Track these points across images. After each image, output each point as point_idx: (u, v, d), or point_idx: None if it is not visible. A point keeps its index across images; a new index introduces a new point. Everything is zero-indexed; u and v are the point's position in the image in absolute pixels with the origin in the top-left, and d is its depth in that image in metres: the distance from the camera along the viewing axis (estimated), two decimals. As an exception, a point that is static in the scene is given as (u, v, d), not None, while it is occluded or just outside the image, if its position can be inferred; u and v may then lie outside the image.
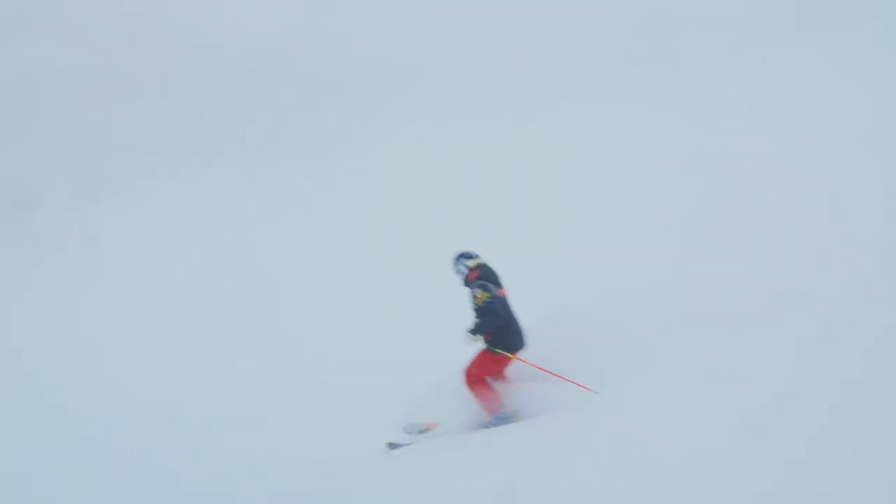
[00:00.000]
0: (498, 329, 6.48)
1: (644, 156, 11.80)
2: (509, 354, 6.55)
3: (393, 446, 7.01)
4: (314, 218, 13.81)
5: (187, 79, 22.94)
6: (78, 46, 23.41)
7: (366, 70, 21.71)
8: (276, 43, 23.32)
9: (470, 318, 6.63)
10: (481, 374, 6.61)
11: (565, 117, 14.67)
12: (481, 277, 6.51)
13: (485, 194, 12.52)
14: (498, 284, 6.60)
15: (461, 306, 7.18)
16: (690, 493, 4.60)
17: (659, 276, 8.02)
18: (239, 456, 7.29)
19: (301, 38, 23.36)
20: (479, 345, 6.52)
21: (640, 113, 13.54)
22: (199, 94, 22.22)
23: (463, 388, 6.75)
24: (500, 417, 6.64)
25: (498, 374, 6.70)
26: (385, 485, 6.26)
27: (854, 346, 5.48)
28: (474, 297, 6.53)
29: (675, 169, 10.82)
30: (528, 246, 10.18)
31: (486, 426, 6.72)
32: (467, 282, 6.69)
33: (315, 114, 19.84)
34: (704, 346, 6.41)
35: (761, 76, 12.98)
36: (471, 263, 6.59)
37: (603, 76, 16.28)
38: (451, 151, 14.89)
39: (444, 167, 14.15)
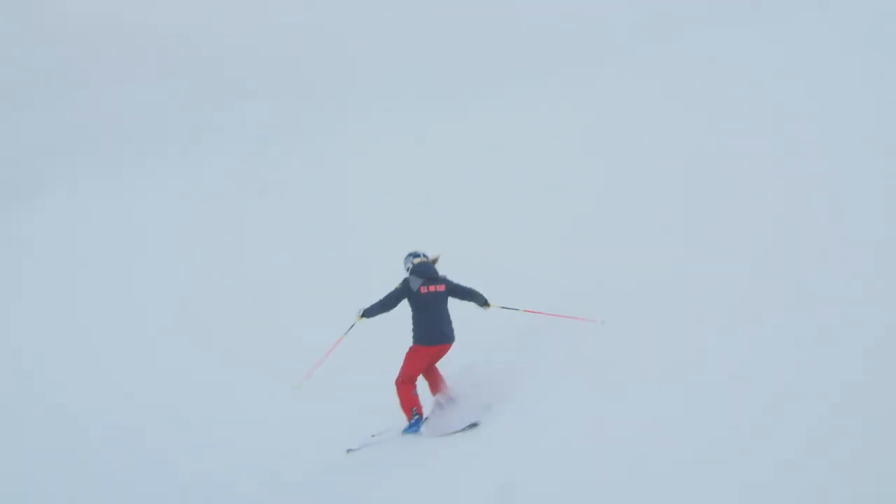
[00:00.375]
0: (421, 323, 6.98)
1: (644, 155, 11.79)
2: (421, 346, 6.99)
3: (351, 451, 7.15)
4: (313, 218, 13.81)
5: (150, 71, 23.02)
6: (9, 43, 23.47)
7: (364, 68, 21.72)
8: (261, 42, 23.41)
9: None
10: (408, 373, 7.00)
11: (565, 117, 14.68)
12: (412, 272, 7.03)
13: (485, 194, 12.52)
14: (431, 281, 7.00)
15: (459, 305, 7.34)
16: (690, 492, 4.61)
17: (659, 276, 8.02)
18: (239, 455, 7.30)
19: (287, 35, 23.43)
20: (358, 322, 7.06)
21: (639, 112, 13.53)
22: (168, 86, 22.29)
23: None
24: (412, 423, 7.02)
25: (422, 367, 7.09)
26: (385, 481, 6.26)
27: (854, 346, 5.48)
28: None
29: (675, 169, 10.80)
30: (528, 246, 10.17)
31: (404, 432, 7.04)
32: None
33: (311, 112, 19.86)
34: (704, 345, 6.42)
35: (761, 74, 12.97)
36: (416, 261, 7.13)
37: (603, 75, 16.30)
38: (451, 150, 14.89)
39: (443, 166, 14.15)
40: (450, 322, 7.10)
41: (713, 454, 4.84)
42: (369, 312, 7.04)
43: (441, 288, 7.04)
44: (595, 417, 5.91)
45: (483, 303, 7.26)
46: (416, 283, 6.96)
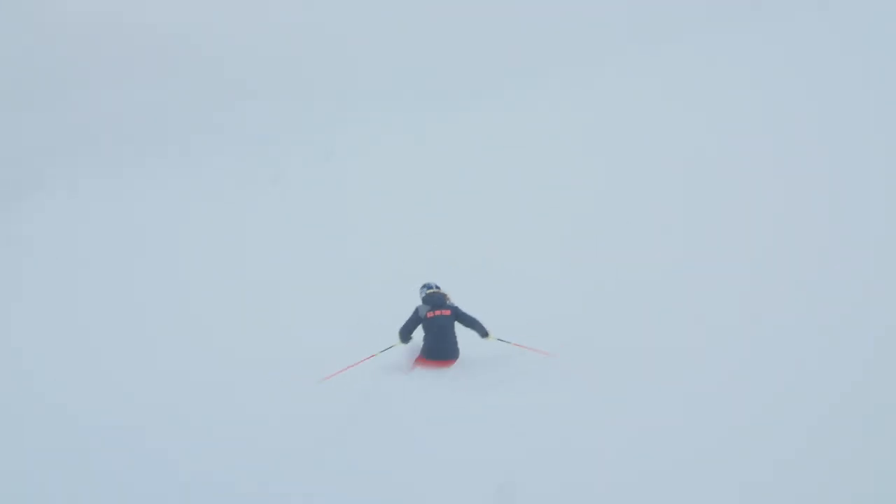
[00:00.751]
0: (426, 341, 8.13)
1: (644, 155, 11.80)
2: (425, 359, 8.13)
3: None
4: (313, 217, 13.82)
5: (152, 70, 23.03)
6: (9, 43, 23.48)
7: (364, 68, 21.74)
8: (257, 41, 23.42)
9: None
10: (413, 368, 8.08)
11: (565, 117, 14.68)
12: (423, 301, 8.20)
13: (485, 194, 12.52)
14: (437, 307, 8.09)
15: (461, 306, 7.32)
16: (690, 492, 4.61)
17: (659, 276, 8.02)
18: (239, 455, 7.29)
19: (284, 34, 23.44)
20: (397, 345, 8.20)
21: (639, 112, 13.54)
22: (168, 85, 22.31)
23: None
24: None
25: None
26: (386, 481, 6.26)
27: (854, 346, 5.48)
28: None
29: (675, 169, 10.81)
30: (528, 246, 10.18)
31: None
32: None
33: (311, 112, 19.86)
34: (704, 346, 6.42)
35: (762, 75, 12.98)
36: (428, 292, 8.25)
37: (603, 75, 16.31)
38: (451, 150, 14.90)
39: (443, 166, 14.15)
40: (454, 342, 8.07)
41: (713, 454, 4.85)
42: (404, 339, 8.17)
43: (447, 313, 8.11)
44: (595, 417, 5.91)
45: (484, 334, 8.03)
46: (423, 311, 8.11)
